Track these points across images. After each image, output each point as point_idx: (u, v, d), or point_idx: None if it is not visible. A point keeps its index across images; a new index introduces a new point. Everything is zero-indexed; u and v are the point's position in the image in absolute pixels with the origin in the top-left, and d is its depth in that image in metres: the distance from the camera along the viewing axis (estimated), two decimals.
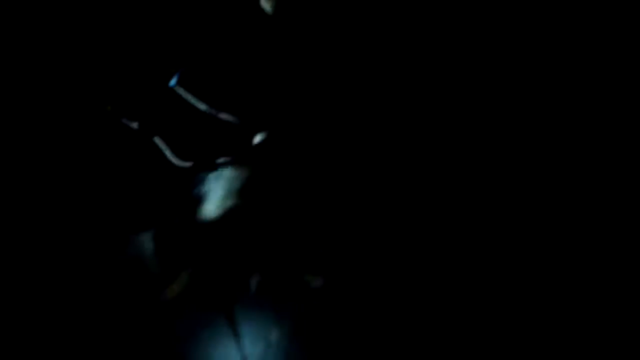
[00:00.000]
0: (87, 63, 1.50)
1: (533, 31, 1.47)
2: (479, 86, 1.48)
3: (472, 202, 1.44)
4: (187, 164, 1.43)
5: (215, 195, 1.42)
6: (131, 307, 1.32)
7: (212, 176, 1.45)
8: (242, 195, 1.42)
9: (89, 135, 1.47)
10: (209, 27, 1.48)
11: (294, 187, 1.44)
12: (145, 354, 1.29)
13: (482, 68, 1.48)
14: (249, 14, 1.47)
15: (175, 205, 1.41)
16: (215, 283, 1.35)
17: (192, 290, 1.33)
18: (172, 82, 1.45)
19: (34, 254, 1.37)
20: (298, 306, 1.31)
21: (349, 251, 1.38)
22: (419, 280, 1.40)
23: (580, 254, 1.34)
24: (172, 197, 1.42)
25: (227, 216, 1.39)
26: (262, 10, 1.46)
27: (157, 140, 1.42)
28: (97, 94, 1.49)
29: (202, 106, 1.43)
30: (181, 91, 1.43)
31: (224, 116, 1.43)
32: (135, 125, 1.42)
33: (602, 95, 1.41)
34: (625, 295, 1.30)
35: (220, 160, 1.46)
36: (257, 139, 1.46)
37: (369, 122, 1.48)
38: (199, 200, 1.42)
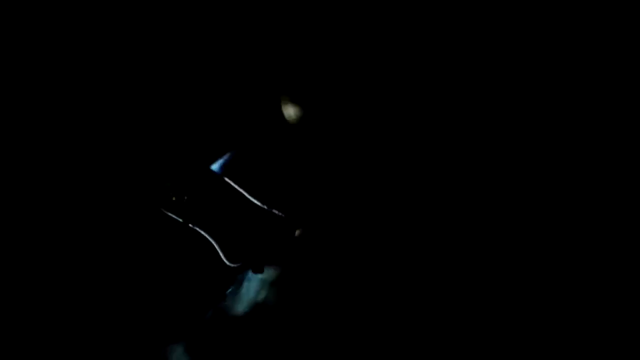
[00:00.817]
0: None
1: (533, 31, 1.47)
2: (478, 86, 1.49)
3: (470, 202, 1.44)
4: (236, 265, 1.39)
5: (249, 295, 1.42)
6: None
7: (253, 275, 1.44)
8: (275, 296, 1.40)
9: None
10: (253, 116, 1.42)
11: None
12: None
13: (482, 68, 1.49)
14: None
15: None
16: None
17: None
18: (215, 166, 1.41)
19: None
20: None
21: None
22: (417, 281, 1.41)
23: (581, 254, 1.35)
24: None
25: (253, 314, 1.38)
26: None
27: (207, 235, 1.36)
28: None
29: (254, 200, 1.37)
30: (231, 182, 1.38)
31: (275, 211, 1.38)
32: (180, 218, 1.34)
33: (602, 96, 1.41)
34: (625, 296, 1.30)
35: (267, 260, 1.43)
36: (297, 234, 1.44)
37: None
38: (232, 298, 1.41)
